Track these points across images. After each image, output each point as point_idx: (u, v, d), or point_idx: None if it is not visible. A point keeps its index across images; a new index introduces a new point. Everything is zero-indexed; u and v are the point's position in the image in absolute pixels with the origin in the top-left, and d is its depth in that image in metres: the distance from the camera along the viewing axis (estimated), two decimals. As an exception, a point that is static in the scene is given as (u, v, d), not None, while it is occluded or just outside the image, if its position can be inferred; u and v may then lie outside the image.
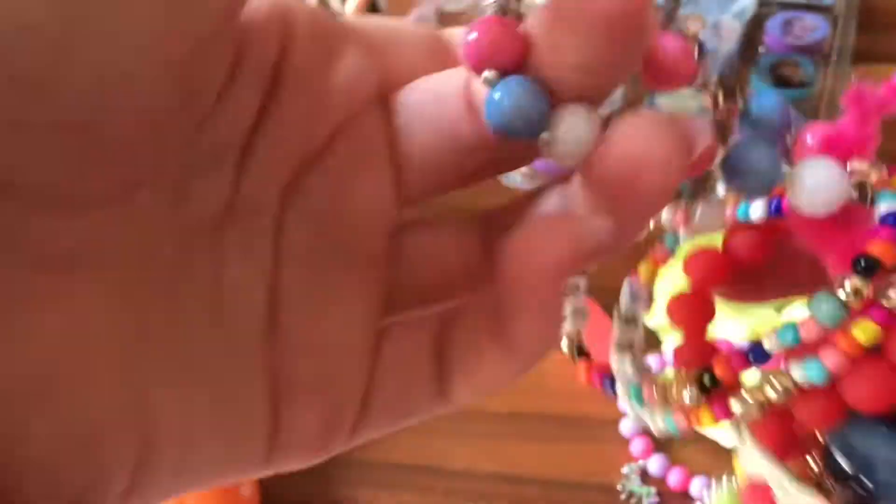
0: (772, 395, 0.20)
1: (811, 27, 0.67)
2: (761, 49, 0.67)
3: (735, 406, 0.21)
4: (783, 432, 0.24)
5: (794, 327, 0.20)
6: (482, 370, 0.19)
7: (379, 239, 0.19)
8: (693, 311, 0.24)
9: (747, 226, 0.23)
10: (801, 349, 0.21)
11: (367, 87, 0.19)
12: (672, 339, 0.50)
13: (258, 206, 0.18)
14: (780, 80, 0.63)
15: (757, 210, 0.23)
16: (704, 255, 0.24)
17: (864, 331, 0.20)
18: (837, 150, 0.20)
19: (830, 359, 0.20)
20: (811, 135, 0.21)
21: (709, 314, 0.24)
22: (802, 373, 0.20)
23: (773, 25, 0.67)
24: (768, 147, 0.19)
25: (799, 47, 0.66)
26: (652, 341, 0.51)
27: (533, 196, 0.19)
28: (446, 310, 0.20)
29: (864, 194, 0.20)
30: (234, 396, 0.18)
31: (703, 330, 0.24)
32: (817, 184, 0.19)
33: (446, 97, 0.19)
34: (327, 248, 0.19)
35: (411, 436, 0.51)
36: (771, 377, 0.20)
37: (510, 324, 0.18)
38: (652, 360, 0.49)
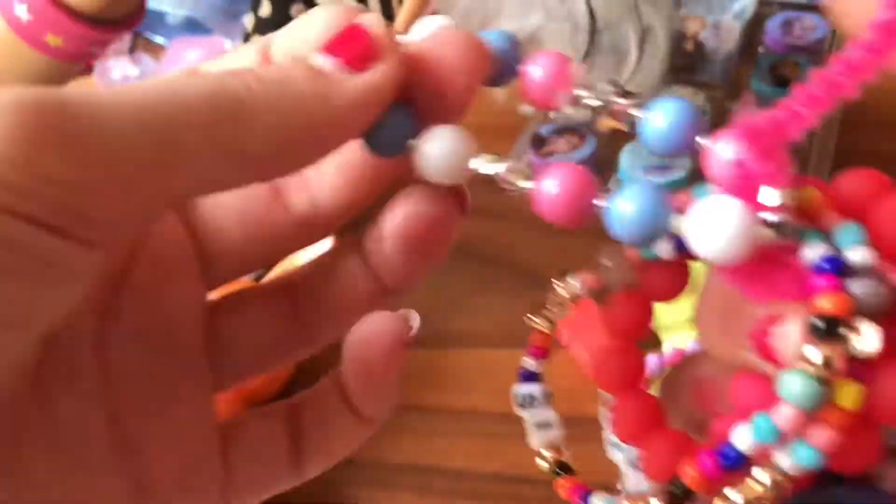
0: (763, 490, 0.18)
1: (811, 27, 0.67)
2: (761, 49, 0.67)
3: None
4: None
5: (768, 422, 0.17)
6: (334, 441, 0.22)
7: (196, 332, 0.22)
8: (636, 412, 0.22)
9: (657, 264, 0.21)
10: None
11: (195, 302, 0.22)
12: (672, 340, 0.50)
13: (73, 338, 0.20)
14: (780, 80, 0.63)
15: (663, 249, 0.20)
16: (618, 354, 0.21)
17: (850, 395, 0.17)
18: (743, 186, 0.17)
19: (822, 438, 0.17)
20: (715, 164, 0.18)
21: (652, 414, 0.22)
22: (793, 462, 0.17)
23: (772, 25, 0.67)
24: (650, 194, 0.17)
25: (799, 47, 0.66)
26: (652, 340, 0.51)
27: (334, 255, 0.22)
28: (295, 396, 0.22)
29: (783, 234, 0.17)
30: None
31: (651, 425, 0.22)
32: (717, 230, 0.17)
33: (251, 190, 0.21)
34: (152, 355, 0.21)
35: (411, 436, 0.51)
36: (756, 475, 0.18)
37: (358, 401, 0.22)
38: (651, 359, 0.49)
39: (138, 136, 0.17)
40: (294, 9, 0.57)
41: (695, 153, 0.18)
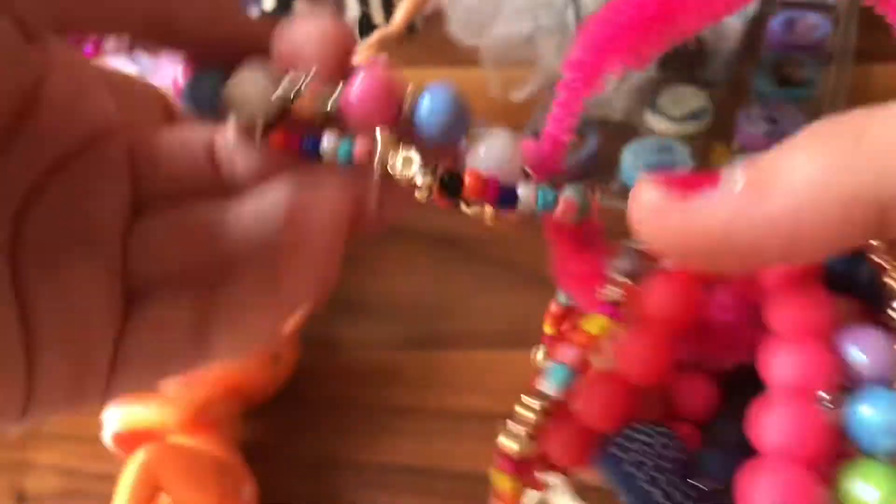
0: (533, 416, 0.21)
1: (813, 26, 0.66)
2: (764, 48, 0.66)
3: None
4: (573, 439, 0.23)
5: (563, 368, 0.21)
6: (245, 320, 0.22)
7: (114, 229, 0.23)
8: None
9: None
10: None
11: (107, 117, 0.23)
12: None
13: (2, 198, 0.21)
14: (783, 80, 0.63)
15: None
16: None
17: (595, 324, 0.21)
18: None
19: (568, 355, 0.21)
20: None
21: None
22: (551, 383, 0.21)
23: (775, 24, 0.67)
24: None
25: (801, 46, 0.65)
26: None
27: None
28: (211, 273, 0.22)
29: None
30: None
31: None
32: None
33: (192, 147, 0.24)
34: (67, 236, 0.22)
35: (412, 437, 0.51)
36: (526, 402, 0.21)
37: (282, 275, 0.21)
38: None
39: None
40: (297, 2, 0.57)
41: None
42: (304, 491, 0.49)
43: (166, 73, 0.72)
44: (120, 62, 0.75)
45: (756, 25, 0.68)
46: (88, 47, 0.75)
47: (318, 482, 0.49)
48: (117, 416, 0.47)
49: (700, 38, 0.65)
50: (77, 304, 0.21)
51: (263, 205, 0.23)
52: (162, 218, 0.23)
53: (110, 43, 0.76)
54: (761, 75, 0.63)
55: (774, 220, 0.16)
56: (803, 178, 0.15)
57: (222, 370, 0.49)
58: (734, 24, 0.67)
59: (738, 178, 0.16)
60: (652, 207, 0.17)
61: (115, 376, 0.22)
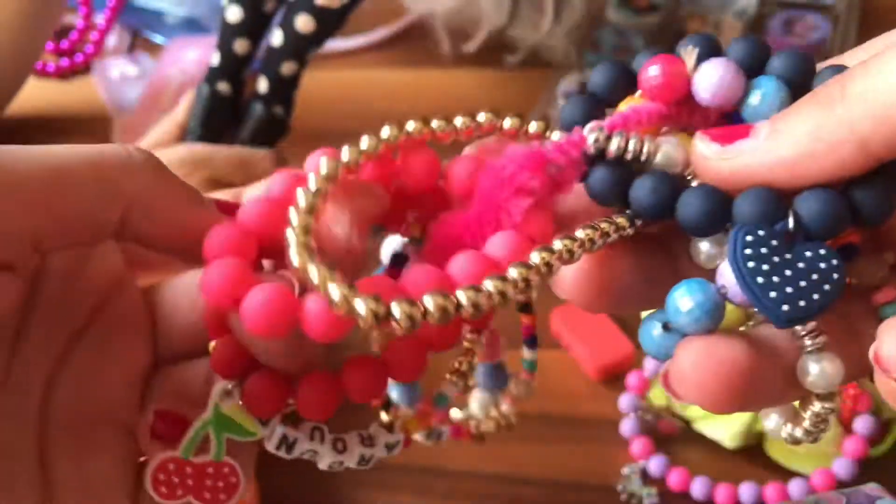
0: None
1: (812, 26, 0.67)
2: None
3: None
4: None
5: None
6: None
7: (133, 392, 0.25)
8: None
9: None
10: None
11: (115, 273, 0.25)
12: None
13: (26, 383, 0.23)
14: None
15: None
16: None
17: None
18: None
19: None
20: None
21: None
22: None
23: (774, 25, 0.67)
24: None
25: (801, 46, 0.65)
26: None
27: None
28: None
29: None
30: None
31: None
32: None
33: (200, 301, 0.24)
34: (90, 405, 0.24)
35: (411, 436, 0.51)
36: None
37: None
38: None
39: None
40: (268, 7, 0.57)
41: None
42: (304, 491, 0.49)
43: (166, 73, 0.72)
44: (120, 62, 0.75)
45: (755, 26, 0.68)
46: (89, 47, 0.75)
47: (316, 481, 0.49)
48: None
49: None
50: (96, 483, 0.24)
51: None
52: (172, 373, 0.25)
53: (111, 43, 0.76)
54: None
55: (784, 160, 0.20)
56: (803, 130, 0.20)
57: None
58: (733, 23, 0.67)
59: (764, 128, 0.21)
60: (704, 156, 0.21)
61: None
